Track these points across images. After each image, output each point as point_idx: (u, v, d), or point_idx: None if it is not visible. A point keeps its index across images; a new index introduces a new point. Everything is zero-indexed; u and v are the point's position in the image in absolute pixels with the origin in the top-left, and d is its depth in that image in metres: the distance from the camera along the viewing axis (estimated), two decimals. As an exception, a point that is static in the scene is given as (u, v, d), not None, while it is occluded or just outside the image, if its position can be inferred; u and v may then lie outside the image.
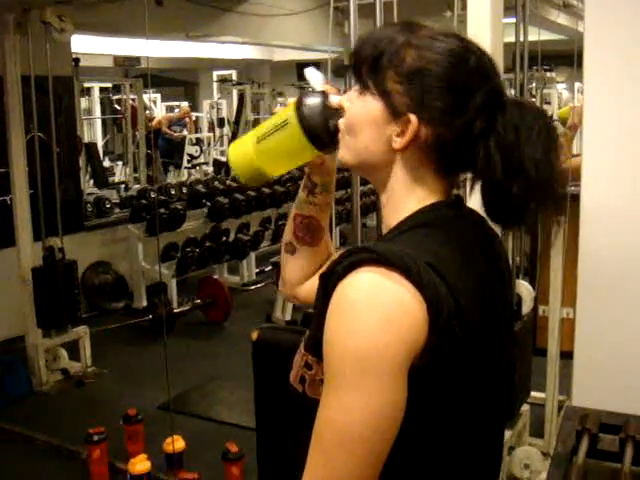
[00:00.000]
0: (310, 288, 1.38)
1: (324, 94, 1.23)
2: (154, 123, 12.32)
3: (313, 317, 1.09)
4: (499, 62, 2.22)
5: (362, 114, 1.13)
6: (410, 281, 0.96)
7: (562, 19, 9.28)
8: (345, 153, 1.18)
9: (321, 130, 1.21)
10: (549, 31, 9.25)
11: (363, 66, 1.12)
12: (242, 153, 1.29)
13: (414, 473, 1.05)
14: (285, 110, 1.26)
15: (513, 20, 3.61)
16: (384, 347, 0.95)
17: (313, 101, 1.23)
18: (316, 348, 1.04)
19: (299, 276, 1.43)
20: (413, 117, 1.07)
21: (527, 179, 1.05)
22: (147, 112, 11.72)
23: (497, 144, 1.06)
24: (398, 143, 1.09)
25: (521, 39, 3.56)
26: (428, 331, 0.97)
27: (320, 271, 1.36)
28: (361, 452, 0.96)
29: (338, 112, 1.20)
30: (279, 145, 1.25)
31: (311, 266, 1.42)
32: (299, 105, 1.23)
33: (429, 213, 1.12)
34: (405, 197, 1.14)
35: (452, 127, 1.07)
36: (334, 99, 1.22)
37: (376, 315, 0.95)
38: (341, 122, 1.18)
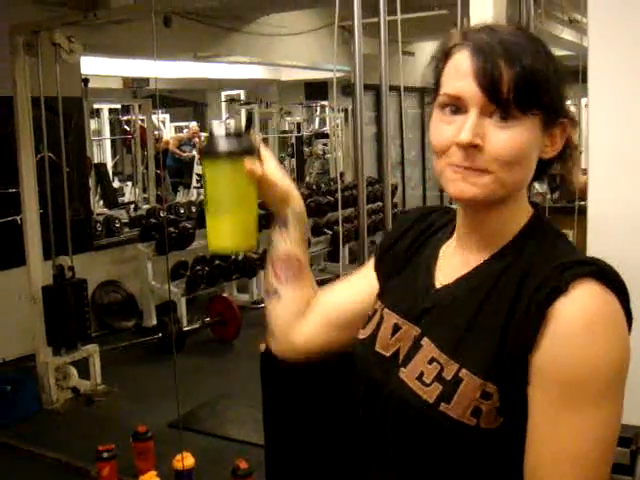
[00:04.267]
0: (310, 331, 1.33)
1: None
2: (162, 144, 12.38)
3: (486, 341, 1.03)
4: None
5: (527, 141, 1.03)
6: (616, 295, 1.00)
7: (567, 35, 9.32)
8: (492, 190, 1.04)
9: (223, 143, 1.21)
10: (554, 47, 9.29)
11: (524, 90, 1.01)
12: (216, 232, 1.25)
13: None
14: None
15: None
16: (627, 357, 0.99)
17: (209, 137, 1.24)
18: (499, 375, 1.01)
19: (292, 321, 1.33)
20: (567, 121, 1.08)
21: None
22: (156, 132, 11.80)
23: None
24: (551, 151, 1.09)
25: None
26: None
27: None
28: (611, 460, 1.00)
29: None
30: (221, 192, 1.23)
31: (301, 307, 1.33)
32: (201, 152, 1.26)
33: (547, 219, 1.15)
34: (525, 202, 1.13)
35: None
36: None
37: (617, 326, 0.99)
38: (487, 159, 1.02)
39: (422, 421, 1.05)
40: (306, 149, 11.88)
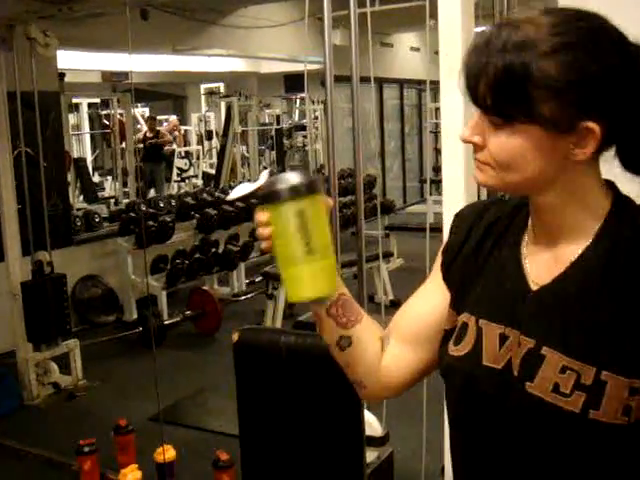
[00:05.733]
0: (399, 359, 1.24)
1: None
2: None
3: (616, 337, 0.99)
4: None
5: (520, 148, 1.00)
6: None
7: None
8: (498, 182, 1.05)
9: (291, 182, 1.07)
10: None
11: (500, 98, 0.98)
12: (310, 279, 1.11)
13: None
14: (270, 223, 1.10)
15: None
16: None
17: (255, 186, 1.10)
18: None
19: (376, 359, 1.24)
20: (592, 124, 0.97)
21: None
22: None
23: None
24: (581, 154, 1.00)
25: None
26: None
27: None
28: None
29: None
30: (312, 232, 1.09)
31: (378, 340, 1.25)
32: (267, 194, 1.08)
33: (627, 197, 1.08)
34: (587, 186, 1.05)
35: (631, 105, 0.99)
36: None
37: None
38: (487, 156, 1.04)
39: (572, 432, 1.01)
40: (286, 141, 11.88)
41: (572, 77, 0.96)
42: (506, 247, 1.15)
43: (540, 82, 0.95)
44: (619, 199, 1.06)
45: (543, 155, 1.00)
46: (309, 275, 1.10)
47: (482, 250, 1.18)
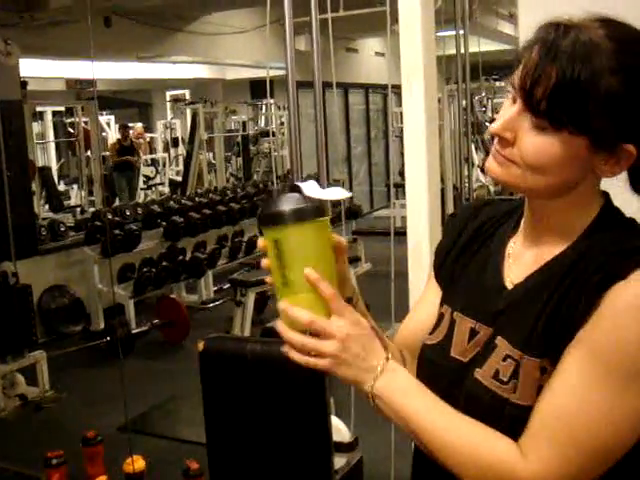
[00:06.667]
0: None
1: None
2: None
3: (546, 320, 1.01)
4: (433, 75, 2.26)
5: (558, 155, 0.99)
6: None
7: (508, 29, 9.45)
8: (519, 182, 1.04)
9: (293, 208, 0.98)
10: (498, 42, 9.42)
11: (557, 105, 0.96)
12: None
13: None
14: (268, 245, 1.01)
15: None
16: None
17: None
18: (556, 351, 0.99)
19: None
20: (632, 148, 1.00)
21: None
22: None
23: None
24: (608, 172, 1.03)
25: (462, 51, 3.64)
26: None
27: None
28: (613, 456, 0.96)
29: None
30: (320, 260, 1.01)
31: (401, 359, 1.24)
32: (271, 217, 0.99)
33: (617, 209, 1.09)
34: (592, 196, 1.07)
35: None
36: None
37: None
38: (515, 154, 1.02)
39: (507, 418, 1.02)
40: (252, 148, 11.87)
41: (633, 99, 0.97)
42: (492, 246, 1.18)
43: (603, 98, 0.95)
44: (608, 208, 1.08)
45: (576, 165, 1.01)
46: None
47: (470, 248, 1.20)
